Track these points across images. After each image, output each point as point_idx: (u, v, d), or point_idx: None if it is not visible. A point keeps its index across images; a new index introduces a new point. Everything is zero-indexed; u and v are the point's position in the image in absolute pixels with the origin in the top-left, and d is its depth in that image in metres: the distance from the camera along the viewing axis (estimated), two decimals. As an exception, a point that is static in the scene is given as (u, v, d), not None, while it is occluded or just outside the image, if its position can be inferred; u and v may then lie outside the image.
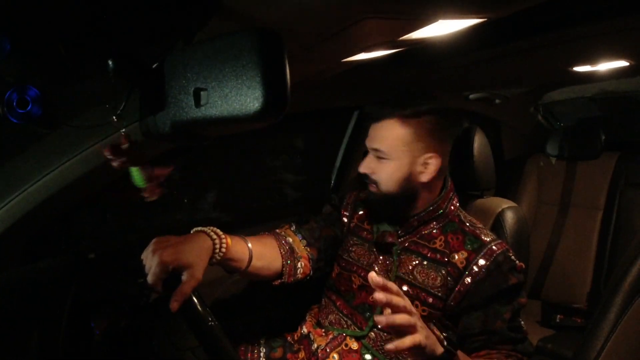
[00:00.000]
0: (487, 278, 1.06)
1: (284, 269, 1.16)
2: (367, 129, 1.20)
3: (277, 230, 1.24)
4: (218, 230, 1.00)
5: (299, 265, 1.19)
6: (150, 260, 0.86)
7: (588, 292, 2.00)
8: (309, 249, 1.22)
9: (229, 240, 1.00)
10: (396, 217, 1.20)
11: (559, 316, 2.08)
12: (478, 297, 1.06)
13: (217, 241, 0.98)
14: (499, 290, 1.05)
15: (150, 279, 0.86)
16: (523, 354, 1.05)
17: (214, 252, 0.97)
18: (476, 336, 1.06)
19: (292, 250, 1.19)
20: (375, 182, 1.17)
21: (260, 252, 1.10)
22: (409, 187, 1.14)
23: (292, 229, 1.25)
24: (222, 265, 1.03)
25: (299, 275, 1.19)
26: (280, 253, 1.17)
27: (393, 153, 1.13)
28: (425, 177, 1.13)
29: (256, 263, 1.08)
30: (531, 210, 2.23)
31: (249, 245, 1.07)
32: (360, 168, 1.18)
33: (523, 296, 1.10)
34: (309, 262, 1.21)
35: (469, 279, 1.06)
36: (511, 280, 1.06)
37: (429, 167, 1.13)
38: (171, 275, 0.87)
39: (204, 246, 0.95)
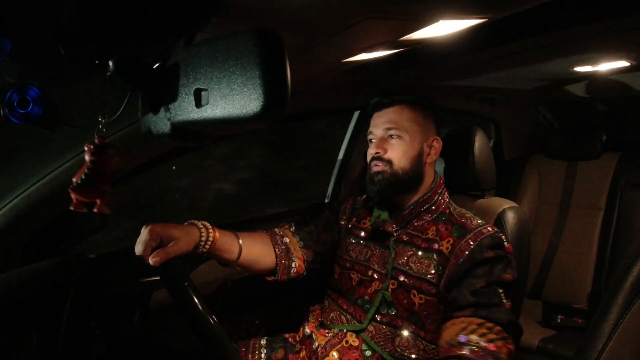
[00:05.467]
0: (469, 258, 1.07)
1: (277, 267, 1.22)
2: (369, 121, 1.27)
3: (276, 230, 1.29)
4: (207, 224, 1.07)
5: (293, 265, 1.24)
6: (142, 233, 0.94)
7: (589, 293, 1.99)
8: (304, 251, 1.27)
9: (216, 233, 1.07)
10: (392, 210, 1.24)
11: (559, 316, 2.07)
12: (458, 275, 1.06)
13: (203, 232, 1.05)
14: (474, 263, 1.05)
15: (139, 246, 0.92)
16: (487, 318, 0.96)
17: (200, 241, 1.04)
18: (445, 311, 1.06)
19: (287, 250, 1.25)
20: (387, 162, 1.20)
21: (251, 248, 1.16)
22: (418, 167, 1.21)
23: (291, 229, 1.31)
24: (212, 256, 1.10)
25: (292, 275, 1.25)
26: (275, 252, 1.23)
27: (406, 131, 1.21)
28: (430, 159, 1.24)
29: (246, 257, 1.14)
30: (532, 211, 2.22)
31: (240, 241, 1.13)
32: (371, 150, 1.22)
33: (507, 272, 1.05)
34: (304, 263, 1.26)
35: (453, 261, 1.09)
36: (487, 254, 1.05)
37: (433, 149, 1.25)
38: (159, 247, 0.94)
39: (191, 232, 1.03)
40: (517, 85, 1.97)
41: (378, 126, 1.23)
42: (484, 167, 1.44)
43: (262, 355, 1.24)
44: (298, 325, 1.32)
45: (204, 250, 1.05)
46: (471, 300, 0.99)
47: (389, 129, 1.21)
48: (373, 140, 1.25)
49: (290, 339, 1.30)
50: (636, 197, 1.99)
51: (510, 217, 1.34)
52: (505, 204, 1.38)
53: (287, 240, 1.26)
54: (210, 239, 1.05)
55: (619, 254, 1.95)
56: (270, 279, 1.23)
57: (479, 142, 1.44)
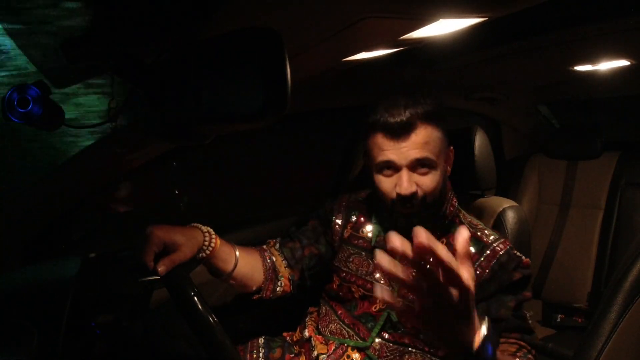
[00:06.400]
0: (491, 279, 1.06)
1: (263, 284, 1.19)
2: (375, 139, 1.06)
3: (264, 247, 1.27)
4: (211, 230, 1.06)
5: (279, 283, 1.21)
6: (145, 237, 0.92)
7: (589, 292, 2.00)
8: (289, 270, 1.23)
9: (218, 240, 1.06)
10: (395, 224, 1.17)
11: (559, 316, 2.07)
12: (481, 295, 1.06)
13: (207, 236, 1.04)
14: (502, 286, 1.05)
15: (143, 253, 0.91)
16: (531, 345, 1.02)
17: (202, 245, 1.02)
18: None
19: (274, 268, 1.21)
20: (421, 199, 1.04)
21: (246, 262, 1.14)
22: (445, 188, 1.11)
23: (275, 247, 1.27)
24: (208, 264, 1.08)
25: (279, 293, 1.21)
26: (263, 268, 1.20)
27: (438, 158, 1.04)
28: (449, 170, 1.13)
29: (240, 270, 1.12)
30: (532, 210, 2.22)
31: (237, 252, 1.11)
32: (404, 190, 1.01)
33: (528, 290, 1.08)
34: (289, 282, 1.23)
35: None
36: (515, 276, 1.06)
37: (449, 160, 1.13)
38: (163, 252, 0.93)
39: (194, 235, 1.01)
40: (517, 84, 1.97)
41: (401, 152, 1.01)
42: (484, 166, 1.44)
43: (260, 354, 1.23)
44: (295, 325, 1.32)
45: (204, 255, 1.04)
46: (520, 325, 1.02)
47: (420, 159, 1.01)
48: (392, 171, 1.04)
49: (288, 338, 1.29)
50: (636, 197, 1.99)
51: (511, 216, 1.34)
52: (505, 203, 1.38)
53: (273, 258, 1.23)
54: (212, 245, 1.04)
55: (618, 254, 1.95)
56: (255, 297, 1.19)
57: (479, 142, 1.44)
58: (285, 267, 1.23)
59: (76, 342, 1.01)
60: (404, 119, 1.01)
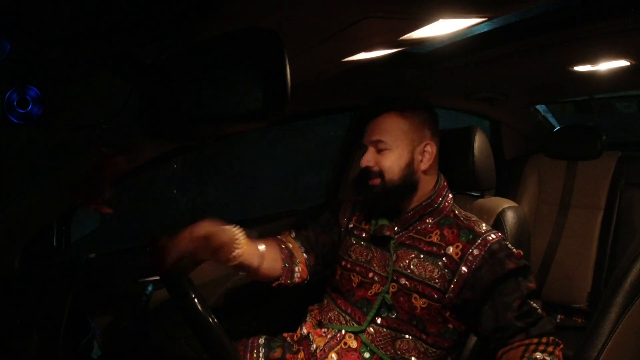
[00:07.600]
0: (483, 266, 1.08)
1: (282, 271, 1.22)
2: (365, 127, 1.26)
3: (278, 237, 1.31)
4: (240, 235, 1.05)
5: (296, 269, 1.25)
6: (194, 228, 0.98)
7: (588, 292, 2.00)
8: (306, 255, 1.28)
9: (245, 247, 1.06)
10: (393, 213, 1.23)
11: (559, 316, 2.07)
12: (478, 287, 1.07)
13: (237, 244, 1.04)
14: (498, 277, 1.06)
15: (182, 242, 0.95)
16: (540, 335, 1.04)
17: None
18: (491, 336, 1.07)
19: (291, 255, 1.26)
20: (378, 174, 1.19)
21: (268, 255, 1.17)
22: (411, 176, 1.20)
23: (292, 235, 1.32)
24: (235, 267, 1.09)
25: (297, 280, 1.25)
26: (281, 256, 1.23)
27: (394, 142, 1.19)
28: (424, 165, 1.21)
29: (265, 265, 1.16)
30: (531, 210, 2.22)
31: (260, 247, 1.15)
32: (362, 162, 1.21)
33: (530, 281, 1.09)
34: (307, 267, 1.28)
35: (464, 269, 1.09)
36: (509, 266, 1.07)
37: (427, 155, 1.22)
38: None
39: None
40: (517, 84, 1.97)
41: (368, 136, 1.23)
42: (483, 167, 1.44)
43: (260, 354, 1.24)
44: (296, 325, 1.32)
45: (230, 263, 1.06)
46: (521, 326, 1.04)
47: (377, 141, 1.20)
48: (365, 151, 1.25)
49: (288, 338, 1.30)
50: (636, 197, 1.99)
51: (510, 216, 1.34)
52: (505, 203, 1.38)
53: (289, 245, 1.28)
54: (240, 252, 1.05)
55: (618, 254, 1.95)
56: (274, 284, 1.23)
57: (479, 142, 1.43)
58: (302, 253, 1.28)
59: (76, 342, 1.01)
60: (378, 110, 1.24)
